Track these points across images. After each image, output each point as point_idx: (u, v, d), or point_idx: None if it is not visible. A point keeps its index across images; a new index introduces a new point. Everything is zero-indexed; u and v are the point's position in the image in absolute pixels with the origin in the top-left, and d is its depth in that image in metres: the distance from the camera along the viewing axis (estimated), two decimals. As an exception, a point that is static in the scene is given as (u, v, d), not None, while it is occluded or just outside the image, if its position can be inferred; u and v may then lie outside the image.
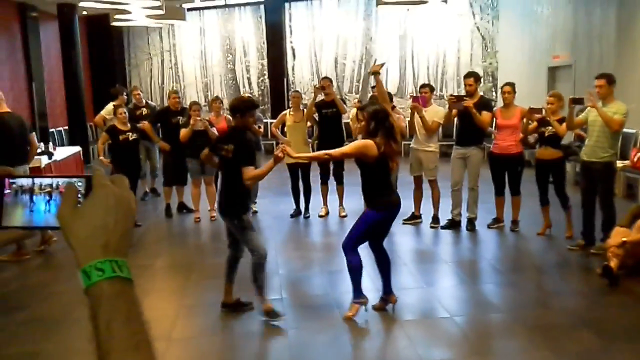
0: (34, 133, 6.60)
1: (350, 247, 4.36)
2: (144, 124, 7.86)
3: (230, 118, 8.10)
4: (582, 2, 10.24)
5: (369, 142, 4.18)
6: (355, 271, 4.38)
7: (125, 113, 7.55)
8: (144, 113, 8.82)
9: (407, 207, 7.41)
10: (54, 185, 0.85)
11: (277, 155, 4.14)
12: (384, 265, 4.58)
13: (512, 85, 6.84)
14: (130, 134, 7.43)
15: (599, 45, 9.71)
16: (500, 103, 7.30)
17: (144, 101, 9.40)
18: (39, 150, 8.82)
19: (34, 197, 0.86)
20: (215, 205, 6.28)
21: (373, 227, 4.40)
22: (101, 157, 7.47)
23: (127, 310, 0.71)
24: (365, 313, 4.44)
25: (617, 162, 6.27)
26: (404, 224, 7.24)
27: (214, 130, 7.50)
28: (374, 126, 4.22)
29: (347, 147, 4.39)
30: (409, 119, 7.34)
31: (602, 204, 5.88)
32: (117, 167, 7.05)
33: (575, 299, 4.90)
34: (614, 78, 5.84)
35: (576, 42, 10.48)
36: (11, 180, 0.88)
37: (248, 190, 4.47)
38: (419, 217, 7.29)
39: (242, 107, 4.42)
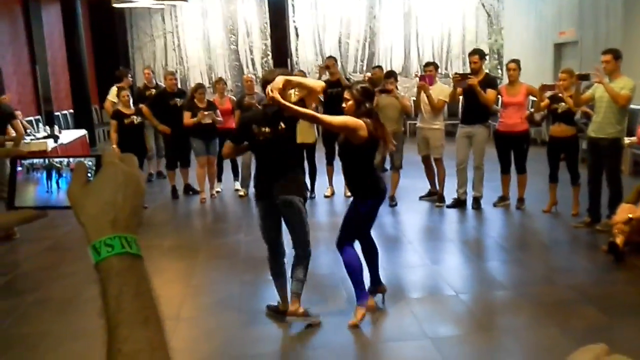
0: (17, 120, 6.55)
1: (344, 245, 4.08)
2: (143, 108, 7.80)
3: (234, 99, 8.18)
4: (589, -23, 10.10)
5: (360, 121, 3.81)
6: (355, 269, 4.03)
7: (128, 96, 7.53)
8: (153, 94, 8.55)
9: (419, 186, 7.47)
10: (65, 163, 0.86)
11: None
12: (372, 254, 4.32)
13: (517, 62, 6.79)
14: (135, 117, 7.43)
15: (605, 21, 9.59)
16: (506, 80, 7.25)
17: (154, 82, 9.21)
18: (44, 134, 8.89)
19: (45, 176, 0.87)
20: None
21: (363, 218, 4.11)
22: (114, 146, 7.28)
23: (137, 284, 0.71)
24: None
25: (624, 138, 6.24)
26: (420, 199, 7.38)
27: (219, 115, 7.54)
28: (366, 106, 3.90)
29: (338, 119, 3.86)
30: (414, 97, 7.32)
31: (609, 181, 5.87)
32: (123, 150, 7.06)
33: (581, 276, 4.91)
34: (621, 53, 5.79)
35: (582, 18, 10.36)
36: (23, 161, 0.89)
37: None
38: (436, 193, 7.30)
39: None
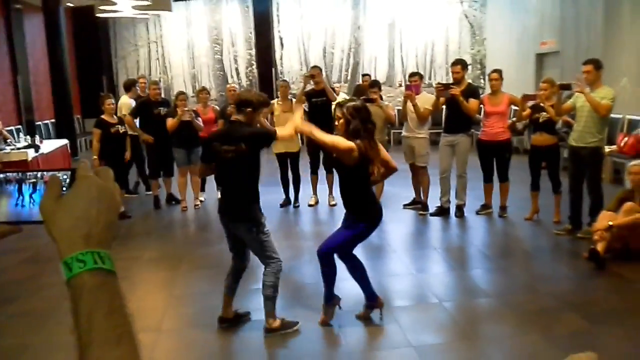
0: None
1: (327, 254, 4.02)
2: (125, 117, 7.76)
3: (217, 108, 8.16)
4: (569, -12, 10.26)
5: (350, 144, 3.74)
6: (331, 276, 4.08)
7: (112, 104, 7.48)
8: None
9: (403, 195, 7.48)
10: (39, 176, 0.84)
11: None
12: (361, 270, 4.15)
13: (499, 71, 6.85)
14: (120, 126, 7.37)
15: (586, 32, 9.74)
16: (488, 90, 7.32)
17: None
18: (25, 144, 8.79)
19: (17, 189, 0.85)
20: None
21: (359, 239, 4.11)
22: (95, 157, 7.23)
23: (109, 302, 0.69)
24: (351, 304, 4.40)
25: (605, 147, 6.31)
26: (404, 208, 7.39)
27: (200, 122, 7.52)
28: (356, 126, 3.79)
29: (329, 139, 3.83)
30: (399, 107, 7.36)
31: (589, 189, 5.93)
32: (106, 159, 7.01)
33: (563, 283, 4.94)
34: (602, 63, 5.87)
35: (564, 29, 10.51)
36: None
37: (257, 191, 4.06)
38: (420, 202, 7.31)
39: (256, 103, 3.96)
